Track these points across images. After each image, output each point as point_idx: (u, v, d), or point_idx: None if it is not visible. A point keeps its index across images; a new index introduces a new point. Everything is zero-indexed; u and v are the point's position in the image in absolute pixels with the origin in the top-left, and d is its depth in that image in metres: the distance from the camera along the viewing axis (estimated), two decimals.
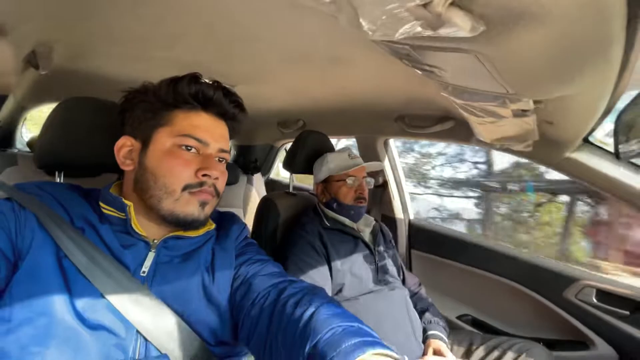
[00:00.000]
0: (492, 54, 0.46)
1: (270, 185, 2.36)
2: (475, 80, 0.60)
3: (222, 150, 0.65)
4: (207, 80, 0.64)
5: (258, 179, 2.30)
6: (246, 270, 0.67)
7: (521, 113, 0.75)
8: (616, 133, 0.63)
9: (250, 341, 0.59)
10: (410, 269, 1.60)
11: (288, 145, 2.17)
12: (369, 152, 1.60)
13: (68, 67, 1.12)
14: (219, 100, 0.64)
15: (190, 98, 0.61)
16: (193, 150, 0.61)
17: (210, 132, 0.63)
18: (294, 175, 1.44)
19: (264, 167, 2.35)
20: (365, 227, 1.25)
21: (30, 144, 1.62)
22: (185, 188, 0.59)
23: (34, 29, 0.84)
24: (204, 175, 0.60)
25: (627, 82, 0.63)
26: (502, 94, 0.63)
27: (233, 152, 2.48)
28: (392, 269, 1.21)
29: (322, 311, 0.52)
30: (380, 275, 1.16)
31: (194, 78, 0.62)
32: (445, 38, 0.43)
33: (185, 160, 0.59)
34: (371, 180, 1.26)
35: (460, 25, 0.38)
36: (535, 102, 0.69)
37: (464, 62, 0.52)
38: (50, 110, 0.79)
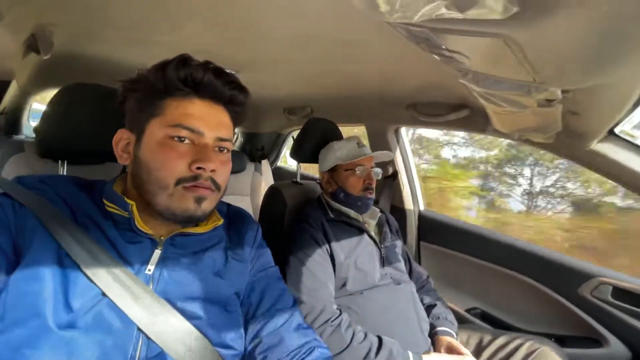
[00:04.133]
0: (523, 38, 0.42)
1: (278, 172, 2.33)
2: (500, 67, 0.55)
3: (221, 139, 0.60)
4: (197, 61, 0.58)
5: (265, 167, 2.28)
6: (273, 305, 0.68)
7: (546, 103, 0.70)
8: None
9: None
10: (419, 261, 1.57)
11: (295, 133, 2.13)
12: (379, 141, 1.55)
13: (70, 51, 1.10)
14: (211, 84, 0.58)
15: (180, 84, 0.57)
16: (187, 141, 0.56)
17: (205, 120, 0.58)
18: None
19: (271, 154, 2.32)
20: (370, 218, 1.21)
21: (37, 130, 1.61)
22: (178, 182, 0.55)
23: (31, 12, 0.81)
24: (198, 168, 0.55)
25: None
26: (528, 82, 0.59)
27: (240, 140, 2.45)
28: (399, 262, 1.19)
29: None
30: (385, 268, 1.13)
31: (182, 61, 0.57)
32: (472, 21, 0.39)
33: (178, 153, 0.55)
34: (379, 171, 1.22)
35: (492, 5, 0.34)
36: (563, 92, 0.64)
37: (489, 47, 0.48)
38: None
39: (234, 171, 1.91)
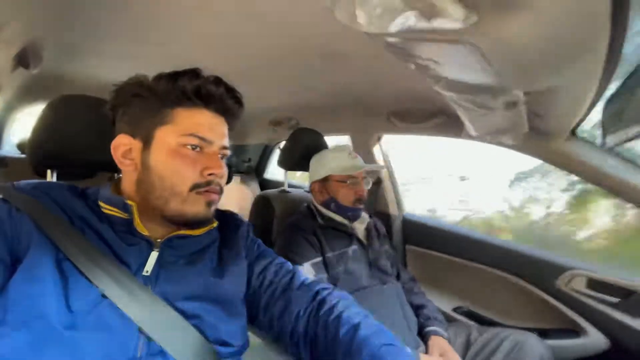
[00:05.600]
0: (484, 44, 0.48)
1: (264, 184, 2.35)
2: (468, 72, 0.61)
3: (224, 147, 0.64)
4: (207, 76, 0.62)
5: (251, 179, 2.30)
6: (273, 278, 0.70)
7: (511, 105, 0.77)
8: (604, 123, 0.65)
9: (292, 343, 0.67)
10: (405, 264, 1.61)
11: (282, 145, 2.17)
12: (363, 149, 1.61)
13: (58, 65, 1.11)
14: (221, 97, 0.62)
15: (192, 95, 0.60)
16: (197, 149, 0.60)
17: (213, 130, 0.62)
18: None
19: (258, 166, 2.35)
20: (359, 224, 1.25)
21: (20, 145, 1.59)
22: (192, 188, 0.58)
23: (23, 27, 0.83)
24: (210, 174, 0.59)
25: (614, 72, 0.65)
26: (493, 85, 0.65)
27: None
28: (386, 264, 1.22)
29: (361, 331, 0.60)
30: (373, 271, 1.16)
31: (195, 74, 0.60)
32: (439, 30, 0.45)
33: (192, 160, 0.59)
34: (370, 181, 1.26)
35: (454, 15, 0.39)
36: (524, 93, 0.71)
37: (457, 53, 0.54)
38: (40, 110, 0.78)
39: None
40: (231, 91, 0.64)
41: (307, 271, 1.03)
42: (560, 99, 0.75)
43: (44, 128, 0.76)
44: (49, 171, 0.80)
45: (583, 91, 0.72)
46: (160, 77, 0.60)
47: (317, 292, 0.69)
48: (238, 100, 0.66)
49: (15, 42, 0.88)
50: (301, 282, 0.70)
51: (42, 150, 0.75)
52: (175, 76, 0.60)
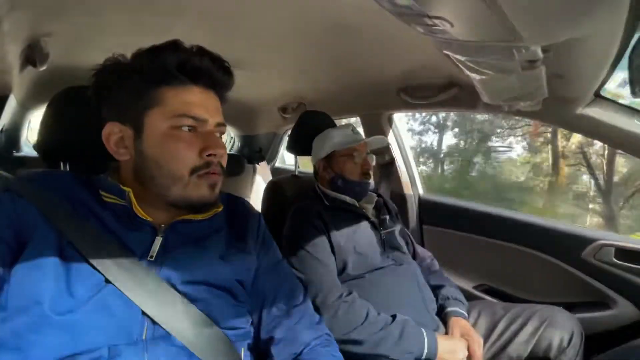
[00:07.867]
0: None
1: (276, 173, 2.36)
2: (481, 27, 0.57)
3: (220, 124, 0.61)
4: (190, 47, 0.57)
5: (263, 168, 2.30)
6: (285, 313, 0.69)
7: (529, 65, 0.72)
8: (632, 77, 0.60)
9: None
10: (422, 244, 1.58)
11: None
12: (374, 129, 1.58)
13: (65, 62, 1.12)
14: (208, 70, 0.58)
15: (177, 72, 0.56)
16: (192, 129, 0.57)
17: (205, 106, 0.59)
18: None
19: (269, 155, 2.34)
20: (367, 203, 1.22)
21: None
22: (193, 171, 0.57)
23: (27, 21, 0.83)
24: (209, 155, 0.57)
25: None
26: (509, 42, 0.61)
27: (238, 143, 2.47)
28: (400, 243, 1.19)
29: None
30: (387, 251, 1.13)
31: (175, 46, 0.56)
32: None
33: (187, 142, 0.56)
34: (373, 157, 1.24)
35: None
36: (543, 50, 0.66)
37: (470, 8, 0.50)
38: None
39: (234, 174, 1.93)
40: (218, 61, 0.60)
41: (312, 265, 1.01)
42: (582, 54, 0.70)
43: (50, 122, 0.76)
44: (61, 164, 0.81)
45: (607, 44, 0.66)
46: (139, 54, 0.57)
47: (321, 335, 0.69)
48: (227, 70, 0.62)
49: (20, 38, 0.88)
50: (311, 321, 0.70)
51: (50, 143, 0.76)
52: (155, 51, 0.56)
